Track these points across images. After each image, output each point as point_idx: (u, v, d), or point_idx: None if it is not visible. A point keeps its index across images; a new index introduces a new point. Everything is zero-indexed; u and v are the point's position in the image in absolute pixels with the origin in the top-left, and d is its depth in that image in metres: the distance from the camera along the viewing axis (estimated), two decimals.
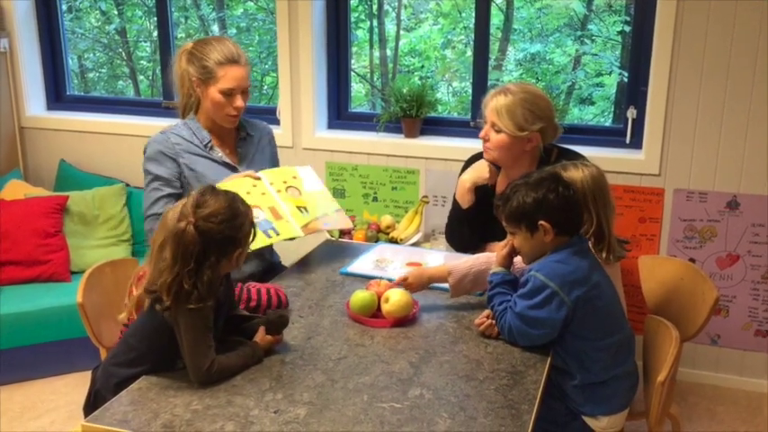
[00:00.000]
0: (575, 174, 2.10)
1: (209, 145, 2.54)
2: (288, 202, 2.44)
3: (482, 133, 2.55)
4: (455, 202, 2.68)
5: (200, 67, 2.47)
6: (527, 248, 1.98)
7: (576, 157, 2.50)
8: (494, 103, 2.50)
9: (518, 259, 2.06)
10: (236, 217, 1.73)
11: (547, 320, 1.88)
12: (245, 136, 2.65)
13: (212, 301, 1.70)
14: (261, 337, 1.83)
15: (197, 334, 1.69)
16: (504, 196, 1.98)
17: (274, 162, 2.77)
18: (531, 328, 1.88)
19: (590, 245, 2.07)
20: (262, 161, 2.67)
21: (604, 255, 2.11)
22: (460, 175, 2.71)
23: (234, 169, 2.56)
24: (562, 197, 1.91)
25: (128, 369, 1.76)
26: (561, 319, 1.88)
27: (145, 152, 2.53)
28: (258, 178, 2.47)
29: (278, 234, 2.34)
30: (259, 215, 2.32)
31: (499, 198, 2.01)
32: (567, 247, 1.93)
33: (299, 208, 2.45)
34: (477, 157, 2.72)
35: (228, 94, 2.47)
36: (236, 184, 2.38)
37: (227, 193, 1.77)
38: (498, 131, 2.49)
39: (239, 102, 2.49)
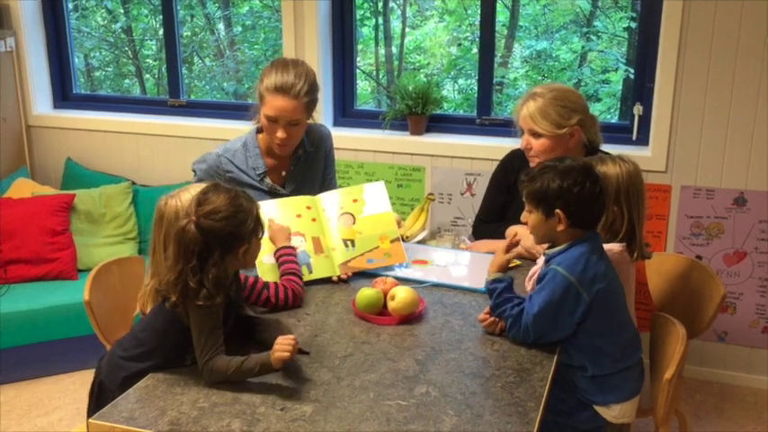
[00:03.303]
0: (611, 168, 2.10)
1: (262, 175, 2.51)
2: (336, 233, 2.36)
3: (523, 144, 2.53)
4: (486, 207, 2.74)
5: (257, 88, 2.45)
6: (538, 231, 1.97)
7: None
8: (525, 111, 2.48)
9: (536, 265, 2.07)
10: (238, 213, 1.73)
11: (564, 315, 1.87)
12: (303, 154, 2.59)
13: (221, 298, 1.70)
14: (277, 356, 1.68)
15: (205, 331, 1.70)
16: (531, 174, 1.96)
17: (326, 174, 2.71)
18: (548, 322, 1.87)
19: (620, 242, 2.09)
20: (312, 181, 2.62)
21: (636, 254, 2.11)
22: (495, 171, 2.74)
23: (275, 195, 2.51)
24: (587, 192, 1.88)
25: (137, 363, 1.77)
26: (579, 315, 1.88)
27: (195, 171, 2.52)
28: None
29: (311, 272, 2.26)
30: (300, 244, 2.29)
31: (527, 173, 1.99)
32: (586, 242, 1.92)
33: (345, 241, 2.35)
34: (514, 153, 2.71)
35: (272, 121, 2.41)
36: (288, 203, 2.37)
37: (229, 190, 1.78)
38: (538, 137, 2.47)
39: (280, 133, 2.41)
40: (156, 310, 1.81)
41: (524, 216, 2.01)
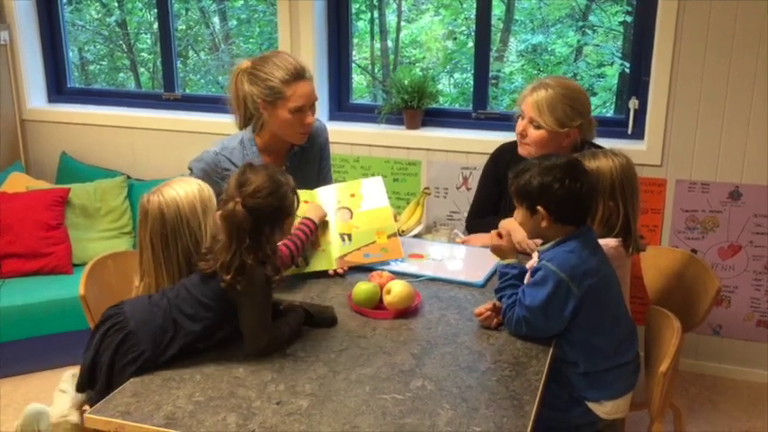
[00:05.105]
0: (604, 163, 2.10)
1: None
2: (334, 227, 2.36)
3: (519, 128, 2.51)
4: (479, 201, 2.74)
5: (266, 88, 2.36)
6: (526, 227, 1.99)
7: None
8: (533, 98, 2.45)
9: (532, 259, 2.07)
10: (280, 187, 1.80)
11: (556, 312, 1.88)
12: (299, 149, 2.56)
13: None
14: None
15: (266, 306, 1.80)
16: (517, 171, 1.98)
17: (321, 168, 2.70)
18: (540, 318, 1.88)
19: (615, 236, 2.08)
20: (308, 176, 2.60)
21: (631, 248, 2.11)
22: (486, 165, 2.73)
23: None
24: (567, 189, 1.89)
25: (195, 323, 1.78)
26: (570, 311, 1.88)
27: (191, 169, 2.48)
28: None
29: (307, 265, 2.27)
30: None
31: (513, 171, 2.00)
32: (577, 238, 1.92)
33: (341, 235, 2.35)
34: (504, 147, 2.70)
35: (299, 111, 2.38)
36: None
37: (265, 167, 1.84)
38: (537, 127, 2.45)
39: (310, 118, 2.41)
40: (196, 284, 1.81)
41: (515, 214, 2.03)
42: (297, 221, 2.25)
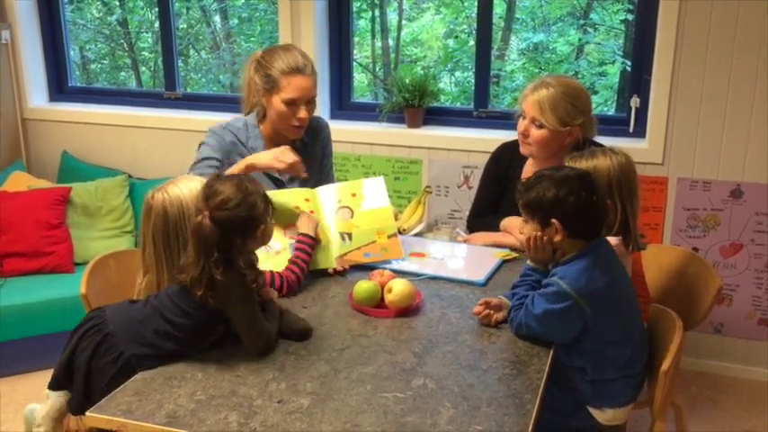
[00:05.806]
0: (602, 162, 2.09)
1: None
2: (333, 226, 2.36)
3: (521, 128, 2.49)
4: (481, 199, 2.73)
5: (265, 76, 2.42)
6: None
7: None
8: (535, 97, 2.43)
9: None
10: (248, 197, 1.76)
11: (563, 329, 1.87)
12: (300, 145, 2.56)
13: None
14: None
15: (255, 310, 1.77)
16: (527, 183, 1.94)
17: (323, 165, 2.70)
18: (546, 329, 1.86)
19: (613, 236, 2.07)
20: (310, 171, 2.58)
21: (631, 246, 2.10)
22: (487, 165, 2.73)
23: (278, 183, 2.52)
24: (583, 202, 1.86)
25: (163, 340, 1.76)
26: (577, 329, 1.87)
27: (199, 146, 2.51)
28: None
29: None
30: (297, 235, 2.28)
31: (523, 183, 1.96)
32: (589, 254, 1.88)
33: (341, 234, 2.35)
34: (505, 146, 2.70)
35: (292, 103, 2.41)
36: (286, 195, 2.36)
37: (231, 176, 1.81)
38: (540, 127, 2.43)
39: (303, 113, 2.43)
40: (177, 293, 1.80)
41: (521, 226, 2.00)
42: (295, 234, 2.26)
